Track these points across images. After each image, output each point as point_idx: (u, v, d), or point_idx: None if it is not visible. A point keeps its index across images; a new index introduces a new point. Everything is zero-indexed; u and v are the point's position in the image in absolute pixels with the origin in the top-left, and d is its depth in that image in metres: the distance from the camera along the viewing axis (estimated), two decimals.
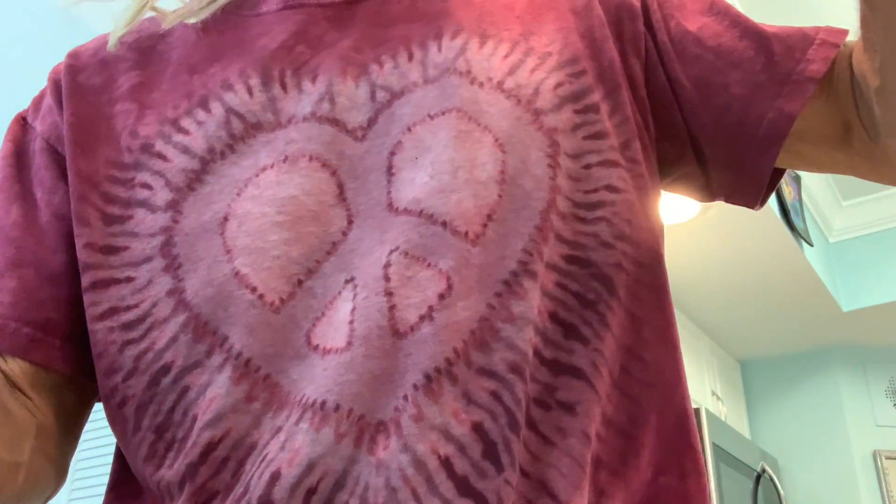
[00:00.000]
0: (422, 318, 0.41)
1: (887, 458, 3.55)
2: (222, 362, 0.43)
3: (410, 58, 0.50)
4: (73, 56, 0.56)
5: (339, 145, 0.47)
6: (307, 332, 0.43)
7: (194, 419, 0.42)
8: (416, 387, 0.40)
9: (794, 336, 3.72)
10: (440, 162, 0.45)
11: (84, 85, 0.53)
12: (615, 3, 0.53)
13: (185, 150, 0.49)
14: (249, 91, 0.50)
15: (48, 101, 0.54)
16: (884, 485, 3.48)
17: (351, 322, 0.42)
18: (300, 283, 0.44)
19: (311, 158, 0.47)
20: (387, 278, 0.42)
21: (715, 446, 2.77)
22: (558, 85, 0.49)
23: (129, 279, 0.47)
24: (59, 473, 0.50)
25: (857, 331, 3.63)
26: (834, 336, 3.70)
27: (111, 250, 0.48)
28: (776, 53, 0.51)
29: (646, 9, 0.53)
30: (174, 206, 0.47)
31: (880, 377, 3.74)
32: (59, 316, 0.49)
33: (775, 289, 3.23)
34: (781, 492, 3.24)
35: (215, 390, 0.42)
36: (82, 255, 0.48)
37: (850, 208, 3.62)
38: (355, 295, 0.43)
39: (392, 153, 0.47)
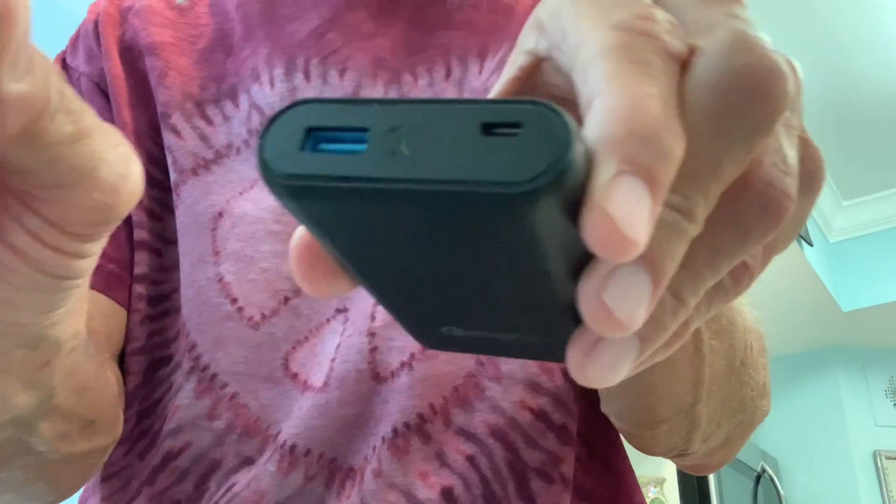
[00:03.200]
0: (402, 364, 0.39)
1: (887, 458, 3.55)
2: (190, 370, 0.41)
3: (448, 75, 0.46)
4: (112, 0, 0.52)
5: None
6: (285, 355, 0.40)
7: (164, 420, 0.41)
8: (383, 439, 0.37)
9: (793, 336, 3.72)
10: None
11: (119, 38, 0.50)
12: None
13: (203, 138, 0.46)
14: (272, 82, 0.47)
15: (90, 43, 0.51)
16: (884, 485, 3.48)
17: (333, 360, 0.39)
18: (286, 300, 0.41)
19: None
20: (372, 317, 0.39)
21: None
22: None
23: (158, 252, 0.45)
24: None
25: (857, 331, 3.63)
26: (834, 336, 3.70)
27: (151, 214, 0.45)
28: None
29: None
30: (176, 188, 0.45)
31: (880, 377, 3.74)
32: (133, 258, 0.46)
33: (775, 289, 3.23)
34: (781, 492, 3.24)
35: (181, 399, 0.41)
36: None
37: (850, 208, 3.62)
38: (344, 330, 0.40)
39: None
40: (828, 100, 3.03)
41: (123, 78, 0.48)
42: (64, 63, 0.51)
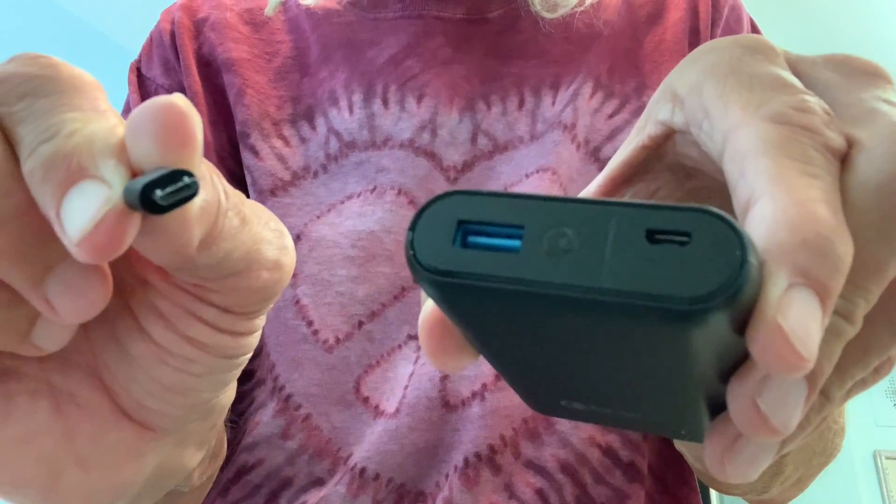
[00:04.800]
0: (474, 394, 0.39)
1: (887, 458, 3.55)
2: (271, 391, 0.41)
3: (521, 105, 0.46)
4: (186, 10, 0.51)
5: (430, 182, 0.44)
6: (357, 379, 0.41)
7: (242, 434, 0.42)
8: (456, 468, 0.38)
9: None
10: None
11: (196, 52, 0.50)
12: None
13: (281, 159, 0.46)
14: (350, 108, 0.47)
15: (166, 54, 0.50)
16: (884, 485, 3.48)
17: (406, 388, 0.39)
18: (360, 324, 0.41)
19: (399, 192, 0.44)
20: None
21: None
22: None
23: None
24: None
25: None
26: None
27: None
28: None
29: None
30: None
31: None
32: None
33: None
34: None
35: (261, 416, 0.41)
36: None
37: None
38: (417, 357, 0.40)
39: None
40: None
41: (202, 94, 0.49)
42: (139, 73, 0.51)
